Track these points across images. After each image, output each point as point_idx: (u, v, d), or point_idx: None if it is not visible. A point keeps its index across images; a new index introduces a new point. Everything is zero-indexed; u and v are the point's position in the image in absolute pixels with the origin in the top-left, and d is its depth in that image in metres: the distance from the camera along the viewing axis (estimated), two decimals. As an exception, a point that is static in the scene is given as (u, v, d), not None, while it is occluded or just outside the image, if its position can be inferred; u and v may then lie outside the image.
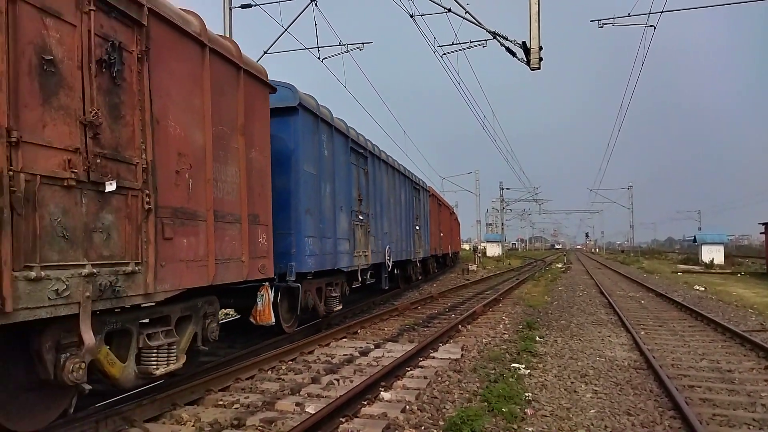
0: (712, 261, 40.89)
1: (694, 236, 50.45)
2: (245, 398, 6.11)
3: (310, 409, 5.68)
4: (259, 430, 5.20)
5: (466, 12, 12.07)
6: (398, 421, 5.37)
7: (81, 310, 4.34)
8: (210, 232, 6.21)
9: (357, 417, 5.52)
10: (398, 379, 6.94)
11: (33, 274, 3.94)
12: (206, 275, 6.11)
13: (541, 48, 11.48)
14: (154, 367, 5.54)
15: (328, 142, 10.52)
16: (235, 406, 5.91)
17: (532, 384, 6.87)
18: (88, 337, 4.41)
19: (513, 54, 11.86)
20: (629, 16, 14.31)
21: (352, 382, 6.79)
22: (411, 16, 13.40)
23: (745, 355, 8.61)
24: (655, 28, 14.40)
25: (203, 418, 5.41)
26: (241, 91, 7.05)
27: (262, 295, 8.16)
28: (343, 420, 5.35)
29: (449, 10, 12.26)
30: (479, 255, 44.09)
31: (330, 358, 8.26)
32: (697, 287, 21.89)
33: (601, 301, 16.73)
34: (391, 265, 15.31)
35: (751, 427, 5.35)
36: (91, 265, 4.47)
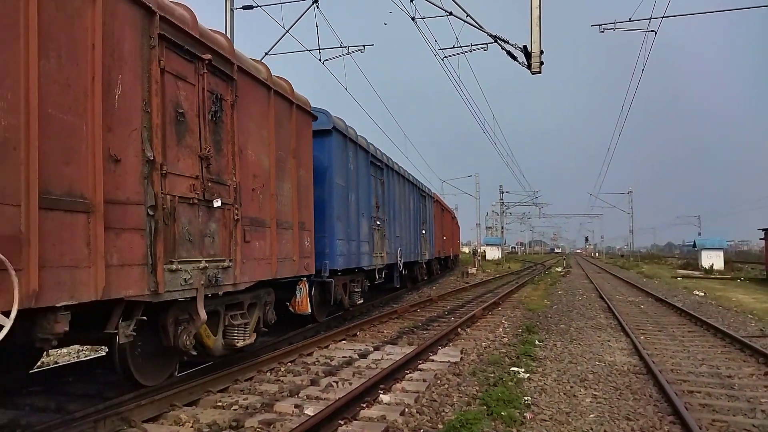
0: (711, 266, 40.92)
1: (694, 241, 50.47)
2: (244, 399, 6.10)
3: (309, 411, 5.67)
4: (258, 431, 5.19)
5: (468, 15, 12.08)
6: (397, 424, 5.35)
7: (198, 294, 6.04)
8: (273, 237, 7.86)
9: (356, 419, 5.51)
10: (397, 382, 6.93)
11: (173, 266, 5.63)
12: (270, 271, 7.79)
13: (542, 52, 11.48)
14: (236, 340, 7.17)
15: (353, 157, 12.17)
16: (234, 407, 5.90)
17: (532, 388, 6.86)
18: (203, 313, 6.10)
19: (514, 58, 11.87)
20: (630, 21, 14.32)
21: (351, 384, 6.78)
22: (412, 19, 13.40)
23: (744, 361, 8.60)
24: (656, 33, 14.42)
25: (202, 419, 5.39)
26: (293, 121, 8.72)
27: (300, 289, 9.41)
28: (342, 422, 5.34)
29: (450, 14, 12.27)
30: (479, 258, 44.06)
31: (329, 360, 8.25)
32: (697, 292, 21.88)
33: (601, 305, 16.72)
34: (402, 266, 16.82)
35: (750, 433, 5.34)
36: (204, 261, 6.18)
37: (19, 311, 3.74)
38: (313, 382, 6.91)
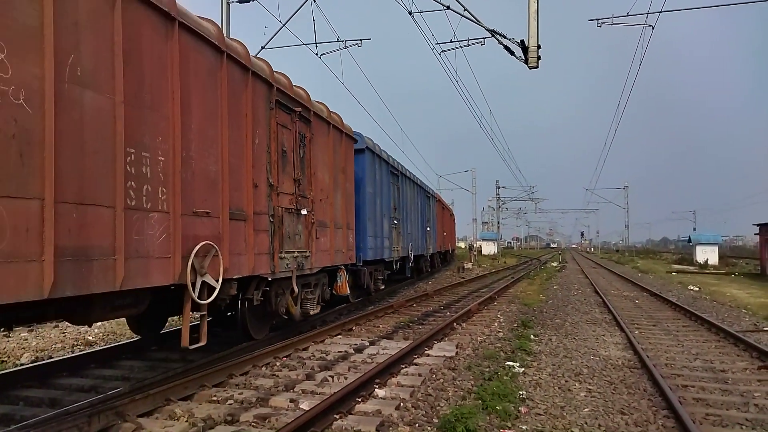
0: (706, 261, 41.11)
1: (689, 237, 50.67)
2: (239, 394, 6.10)
3: (305, 405, 5.67)
4: (253, 426, 5.18)
5: (465, 10, 12.04)
6: (392, 419, 5.36)
7: (293, 275, 8.84)
8: (331, 234, 10.73)
9: (351, 414, 5.52)
10: (393, 377, 6.94)
11: (282, 255, 8.39)
12: (330, 260, 10.69)
13: (539, 47, 11.46)
14: (309, 309, 9.87)
15: (378, 169, 14.91)
16: (229, 401, 5.90)
17: (527, 382, 6.88)
18: (296, 287, 8.95)
19: (511, 52, 11.85)
20: (628, 15, 14.31)
21: (346, 378, 6.78)
22: (410, 13, 13.36)
23: (738, 355, 8.65)
24: (653, 28, 14.40)
25: (197, 414, 5.39)
26: (343, 146, 11.57)
27: (341, 275, 11.67)
28: (337, 417, 5.34)
29: (448, 8, 12.22)
30: (475, 253, 44.12)
31: (324, 355, 8.25)
32: (692, 287, 21.97)
33: (596, 300, 16.77)
34: (413, 258, 19.78)
35: (744, 426, 5.37)
36: (296, 252, 8.96)
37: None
38: (309, 377, 6.91)
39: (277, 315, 8.77)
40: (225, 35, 7.40)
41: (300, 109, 9.03)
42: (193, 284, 5.96)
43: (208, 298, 6.27)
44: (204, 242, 6.15)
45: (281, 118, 8.46)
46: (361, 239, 13.04)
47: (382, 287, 15.94)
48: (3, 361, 8.26)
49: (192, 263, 5.90)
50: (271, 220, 8.01)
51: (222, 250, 6.48)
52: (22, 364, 7.85)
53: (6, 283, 3.85)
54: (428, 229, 24.48)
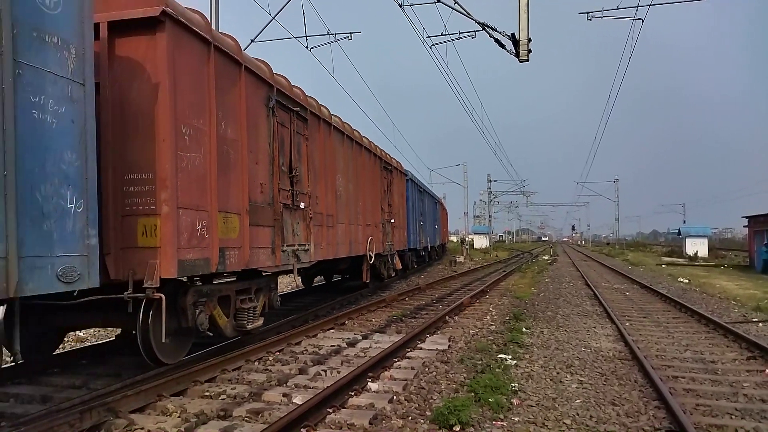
0: (696, 254, 41.41)
1: (679, 229, 51.05)
2: (232, 389, 6.08)
3: (297, 399, 5.67)
4: (246, 420, 5.17)
5: (456, 2, 12.00)
6: (385, 412, 5.37)
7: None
8: (403, 233, 19.71)
9: (344, 407, 5.52)
10: (385, 370, 6.95)
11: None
12: (400, 246, 18.49)
13: (530, 40, 11.45)
14: (385, 275, 15.66)
15: (413, 188, 22.28)
16: (222, 397, 5.88)
17: (519, 374, 6.91)
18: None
19: (502, 46, 11.83)
20: (617, 9, 14.33)
21: (339, 372, 6.79)
22: (400, 5, 13.29)
23: (728, 346, 8.73)
24: (643, 21, 14.43)
25: (189, 409, 5.37)
26: (402, 180, 19.43)
27: (395, 255, 17.62)
28: (330, 410, 5.35)
29: (439, 1, 12.18)
30: (467, 247, 44.22)
31: (317, 349, 8.25)
32: (681, 279, 22.15)
33: (587, 292, 16.87)
34: (429, 248, 28.62)
35: (733, 416, 5.42)
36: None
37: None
38: (302, 371, 6.91)
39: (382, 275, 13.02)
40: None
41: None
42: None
43: None
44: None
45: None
46: (407, 234, 20.51)
47: (415, 266, 24.33)
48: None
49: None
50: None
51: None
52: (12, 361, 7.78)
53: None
54: (436, 227, 32.05)
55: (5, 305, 4.67)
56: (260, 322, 8.23)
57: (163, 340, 5.99)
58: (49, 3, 4.40)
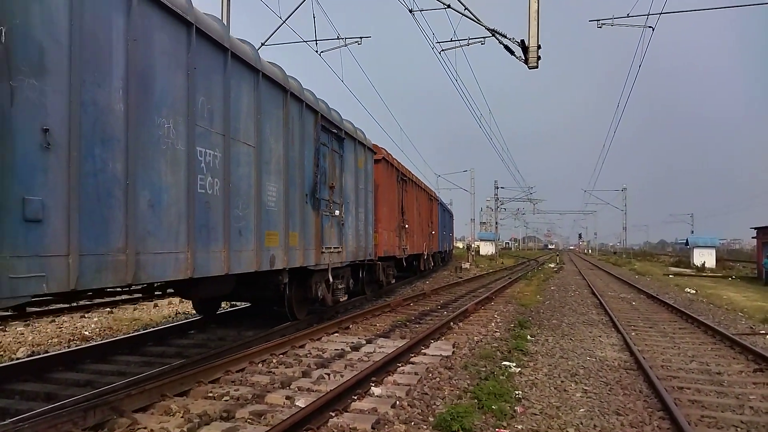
0: (703, 264, 41.14)
1: (686, 239, 50.69)
2: (235, 390, 6.09)
3: (300, 402, 5.66)
4: (249, 422, 5.18)
5: (466, 8, 12.03)
6: (388, 416, 5.36)
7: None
8: (435, 239, 28.70)
9: (347, 411, 5.51)
10: (389, 375, 6.93)
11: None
12: (435, 249, 28.13)
13: (539, 47, 11.46)
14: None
15: (443, 210, 33.53)
16: (225, 398, 5.89)
17: (523, 382, 6.88)
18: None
19: (511, 52, 11.84)
20: (628, 16, 14.31)
21: (342, 376, 6.78)
22: (410, 11, 13.34)
23: (734, 358, 8.66)
24: (653, 30, 14.42)
25: (192, 410, 5.38)
26: (438, 206, 30.18)
27: (427, 255, 24.61)
28: (333, 414, 5.34)
29: (449, 6, 12.21)
30: (472, 253, 44.13)
31: (321, 353, 8.24)
32: (688, 290, 22.00)
33: (593, 301, 16.79)
34: (443, 252, 34.86)
35: (739, 429, 5.38)
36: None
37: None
38: (305, 374, 6.90)
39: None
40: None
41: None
42: None
43: None
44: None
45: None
46: (440, 240, 30.12)
47: (441, 264, 33.57)
48: (-1, 355, 8.24)
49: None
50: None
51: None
52: (18, 359, 7.84)
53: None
54: (451, 235, 42.12)
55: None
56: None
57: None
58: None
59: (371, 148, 13.78)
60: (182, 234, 6.01)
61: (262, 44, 15.55)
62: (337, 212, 11.16)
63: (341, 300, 11.98)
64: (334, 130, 11.04)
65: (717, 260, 43.53)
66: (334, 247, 11.10)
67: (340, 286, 11.77)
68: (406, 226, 19.17)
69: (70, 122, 4.53)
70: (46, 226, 4.29)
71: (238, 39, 7.54)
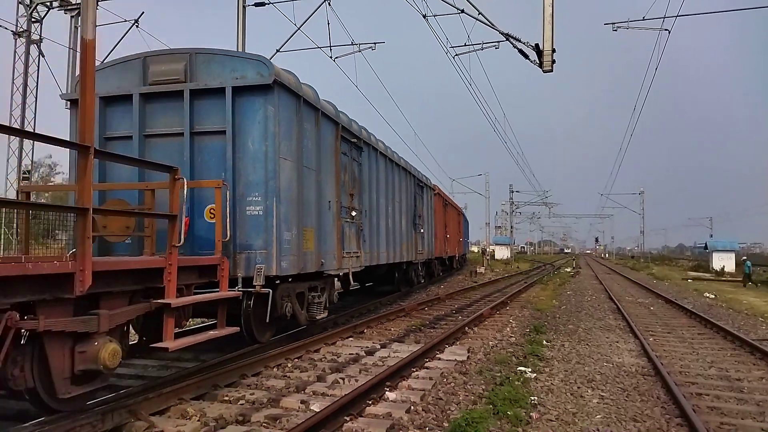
0: (723, 269, 40.55)
1: (705, 243, 50.03)
2: (251, 395, 6.13)
3: (315, 407, 5.69)
4: (264, 426, 5.21)
5: (479, 13, 12.03)
6: (403, 422, 5.36)
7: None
8: (460, 245, 34.45)
9: (362, 416, 5.52)
10: (403, 380, 6.93)
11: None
12: (451, 253, 29.32)
13: (554, 50, 11.42)
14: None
15: (462, 219, 36.48)
16: (241, 401, 5.93)
17: (538, 388, 6.84)
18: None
19: (526, 56, 11.82)
20: (643, 19, 14.21)
21: (357, 381, 6.79)
22: (424, 16, 13.38)
23: (754, 364, 8.52)
24: (669, 33, 14.29)
25: (209, 413, 5.43)
26: (461, 218, 35.42)
27: (458, 256, 32.86)
28: (348, 419, 5.35)
29: (462, 11, 12.23)
30: (488, 257, 43.94)
31: (336, 357, 8.27)
32: (707, 295, 21.69)
33: (610, 306, 16.62)
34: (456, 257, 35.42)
35: (759, 436, 5.29)
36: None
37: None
38: (320, 378, 6.93)
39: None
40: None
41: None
42: None
43: None
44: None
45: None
46: (456, 246, 30.93)
47: (462, 264, 36.97)
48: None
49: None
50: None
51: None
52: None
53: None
54: (467, 240, 43.93)
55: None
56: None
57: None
58: None
59: (432, 187, 21.94)
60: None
61: (277, 50, 15.69)
62: (422, 230, 18.91)
63: (436, 276, 24.50)
64: (421, 185, 19.07)
65: (737, 264, 42.82)
66: (420, 251, 18.54)
67: (423, 272, 20.86)
68: (447, 236, 26.60)
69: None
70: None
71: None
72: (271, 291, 7.48)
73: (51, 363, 4.62)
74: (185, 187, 6.07)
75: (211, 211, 7.11)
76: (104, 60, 11.89)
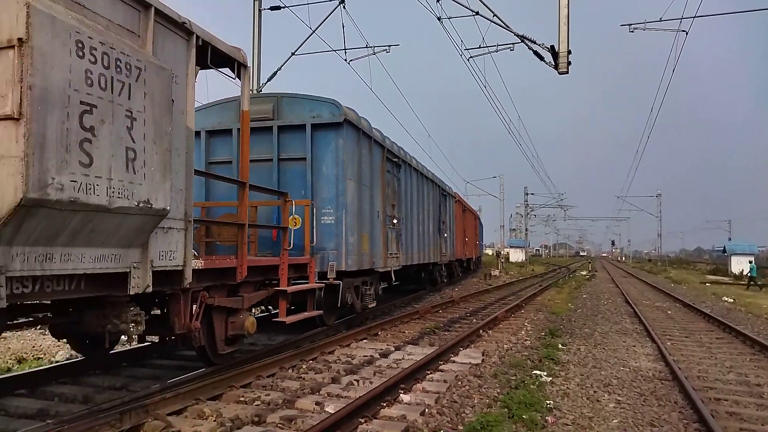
0: (741, 272, 39.90)
1: (724, 246, 49.38)
2: (266, 395, 6.16)
3: (330, 408, 5.70)
4: (279, 427, 5.24)
5: (494, 15, 12.01)
6: (417, 424, 5.35)
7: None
8: (477, 249, 38.23)
9: (376, 418, 5.52)
10: (418, 382, 6.92)
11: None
12: (467, 256, 30.06)
13: (569, 52, 11.36)
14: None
15: (478, 223, 37.76)
16: (256, 402, 5.97)
17: (554, 392, 6.79)
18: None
19: (541, 58, 11.77)
20: (660, 21, 14.08)
21: (371, 383, 6.79)
22: (438, 18, 13.38)
23: (775, 370, 8.39)
24: (687, 34, 14.14)
25: (224, 414, 5.47)
26: (477, 222, 36.94)
27: (475, 258, 35.16)
28: (362, 421, 5.36)
29: (477, 13, 12.22)
30: (502, 260, 43.73)
31: (350, 359, 8.28)
32: (726, 299, 21.40)
33: (627, 310, 16.46)
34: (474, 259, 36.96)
35: (780, 443, 5.21)
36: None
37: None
38: (334, 380, 6.95)
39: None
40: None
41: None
42: None
43: None
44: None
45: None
46: (473, 249, 31.76)
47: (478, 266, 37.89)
48: (39, 358, 8.51)
49: None
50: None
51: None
52: (57, 362, 8.07)
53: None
54: (482, 243, 46.91)
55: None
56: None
57: None
58: None
59: (453, 195, 23.92)
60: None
61: (293, 54, 15.79)
62: (445, 235, 20.88)
63: (455, 276, 26.17)
64: (444, 193, 21.19)
65: (756, 268, 42.18)
66: (443, 253, 20.51)
67: (445, 272, 22.67)
68: (466, 239, 28.52)
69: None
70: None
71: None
72: (341, 283, 9.60)
73: (216, 328, 6.74)
74: (294, 205, 8.32)
75: (294, 220, 8.66)
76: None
